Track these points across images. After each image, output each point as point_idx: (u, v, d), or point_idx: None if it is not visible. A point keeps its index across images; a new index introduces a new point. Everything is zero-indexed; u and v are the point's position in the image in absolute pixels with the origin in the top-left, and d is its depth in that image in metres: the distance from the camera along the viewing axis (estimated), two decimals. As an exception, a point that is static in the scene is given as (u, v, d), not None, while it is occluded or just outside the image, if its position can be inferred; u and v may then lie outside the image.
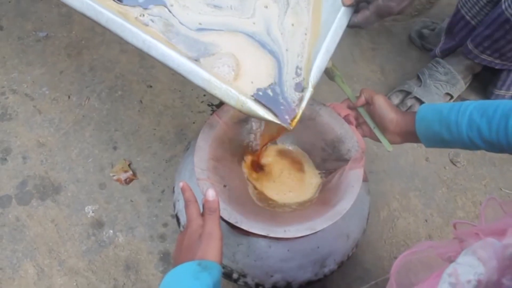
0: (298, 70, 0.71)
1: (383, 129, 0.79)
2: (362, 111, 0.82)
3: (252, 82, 0.68)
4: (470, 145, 0.68)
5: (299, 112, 0.66)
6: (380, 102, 0.78)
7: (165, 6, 0.70)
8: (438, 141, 0.72)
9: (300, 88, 0.69)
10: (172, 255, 0.80)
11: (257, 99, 0.66)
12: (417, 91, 1.21)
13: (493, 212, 0.65)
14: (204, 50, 0.68)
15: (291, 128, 0.65)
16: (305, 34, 0.74)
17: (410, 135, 0.76)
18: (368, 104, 0.81)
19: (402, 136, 0.78)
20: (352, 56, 1.35)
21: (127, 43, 0.63)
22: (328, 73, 0.84)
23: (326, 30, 0.72)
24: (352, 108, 0.84)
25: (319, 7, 0.76)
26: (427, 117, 0.72)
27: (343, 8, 0.73)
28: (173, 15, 0.70)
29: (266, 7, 0.74)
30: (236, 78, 0.67)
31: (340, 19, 0.72)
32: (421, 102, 1.20)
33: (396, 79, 1.31)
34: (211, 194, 0.64)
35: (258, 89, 0.67)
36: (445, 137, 0.69)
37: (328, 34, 0.71)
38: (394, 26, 1.42)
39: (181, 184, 0.67)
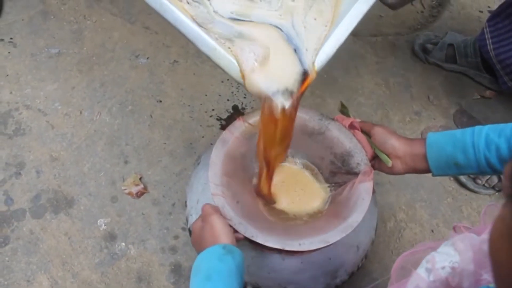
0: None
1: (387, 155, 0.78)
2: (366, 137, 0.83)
3: (268, 80, 0.68)
4: (485, 168, 0.68)
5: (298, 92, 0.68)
6: (379, 131, 0.78)
7: None
8: (450, 165, 0.71)
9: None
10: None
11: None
12: None
13: (491, 219, 0.67)
14: (239, 35, 0.70)
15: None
16: (325, 26, 0.74)
17: (416, 161, 0.75)
18: (369, 136, 0.81)
19: (405, 163, 0.76)
20: (356, 70, 1.37)
21: (147, 4, 0.66)
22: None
23: (341, 18, 0.71)
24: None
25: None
26: (439, 141, 0.72)
27: None
28: (210, 3, 0.72)
29: (293, 0, 0.76)
30: (256, 69, 0.67)
31: (356, 7, 0.70)
32: None
33: (400, 92, 1.34)
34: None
35: (268, 87, 0.67)
36: (459, 160, 0.69)
37: (341, 22, 0.69)
38: (397, 40, 1.44)
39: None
